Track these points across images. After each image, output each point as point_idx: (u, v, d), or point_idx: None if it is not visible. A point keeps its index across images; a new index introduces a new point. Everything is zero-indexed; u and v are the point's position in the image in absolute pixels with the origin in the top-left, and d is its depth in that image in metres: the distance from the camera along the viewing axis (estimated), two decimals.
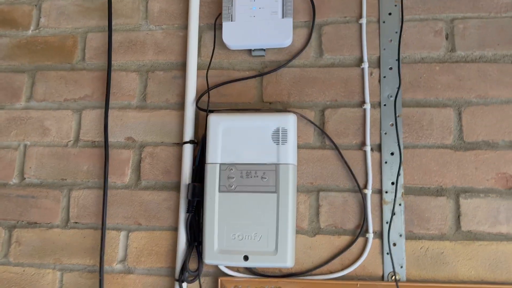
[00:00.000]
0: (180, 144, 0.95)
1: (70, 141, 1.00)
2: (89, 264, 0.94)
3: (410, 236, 0.86)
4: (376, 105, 0.92)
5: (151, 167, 0.96)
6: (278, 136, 0.86)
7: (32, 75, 1.04)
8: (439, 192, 0.87)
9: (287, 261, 0.82)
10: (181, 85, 0.98)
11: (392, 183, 0.88)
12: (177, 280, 0.88)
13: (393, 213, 0.87)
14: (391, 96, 0.91)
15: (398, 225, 0.87)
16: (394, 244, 0.86)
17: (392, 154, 0.89)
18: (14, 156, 1.01)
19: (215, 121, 0.88)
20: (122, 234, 0.94)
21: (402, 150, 0.89)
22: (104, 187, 0.94)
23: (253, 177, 0.85)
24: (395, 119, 0.90)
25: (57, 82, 1.03)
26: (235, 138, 0.87)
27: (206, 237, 0.85)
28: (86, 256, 0.94)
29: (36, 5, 1.08)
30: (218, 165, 0.87)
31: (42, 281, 0.95)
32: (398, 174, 0.88)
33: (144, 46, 1.01)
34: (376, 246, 0.87)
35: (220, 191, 0.86)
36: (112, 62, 1.01)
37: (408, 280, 0.85)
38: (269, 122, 0.87)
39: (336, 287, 0.84)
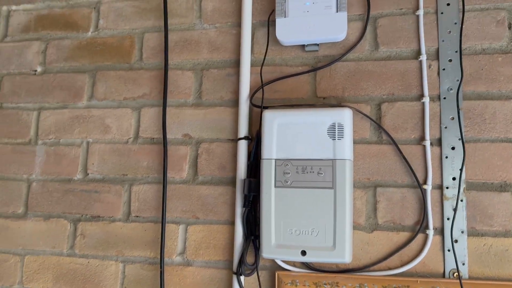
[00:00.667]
0: (235, 140, 0.97)
1: (130, 138, 1.04)
2: (149, 256, 0.98)
3: (473, 233, 0.84)
4: (435, 98, 0.89)
5: (207, 163, 0.98)
6: (334, 131, 0.86)
7: (92, 75, 1.09)
8: (503, 187, 0.84)
9: (345, 257, 0.82)
10: (234, 82, 1.00)
11: (453, 179, 0.86)
12: (235, 273, 0.90)
13: (454, 209, 0.85)
14: (451, 89, 0.89)
15: (460, 222, 0.84)
16: (456, 241, 0.84)
17: (453, 148, 0.87)
18: (77, 153, 1.06)
19: (270, 117, 0.89)
20: (181, 227, 0.97)
21: (463, 144, 0.86)
22: (164, 182, 0.97)
23: (309, 173, 0.86)
24: (458, 113, 0.87)
25: (116, 82, 1.07)
26: (290, 134, 0.88)
27: (264, 231, 0.86)
28: (147, 248, 0.98)
29: (94, 8, 1.12)
30: (274, 160, 0.88)
31: (105, 272, 1.00)
32: (461, 169, 0.86)
33: (199, 45, 1.03)
34: (437, 242, 0.85)
35: (276, 186, 0.87)
36: (168, 61, 1.04)
37: (470, 278, 0.83)
38: (324, 117, 0.87)
39: (396, 283, 0.83)
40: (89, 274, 1.00)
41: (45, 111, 1.10)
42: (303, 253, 0.84)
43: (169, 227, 0.98)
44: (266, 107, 0.94)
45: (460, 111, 0.87)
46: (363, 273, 0.87)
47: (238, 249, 0.91)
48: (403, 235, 0.87)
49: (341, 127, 0.85)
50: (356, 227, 0.89)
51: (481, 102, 0.87)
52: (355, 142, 0.91)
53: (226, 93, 1.00)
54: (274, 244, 0.85)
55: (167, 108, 1.02)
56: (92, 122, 1.07)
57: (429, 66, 0.91)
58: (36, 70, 1.13)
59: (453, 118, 0.88)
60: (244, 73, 0.97)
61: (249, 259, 0.91)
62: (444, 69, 0.90)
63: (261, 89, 0.96)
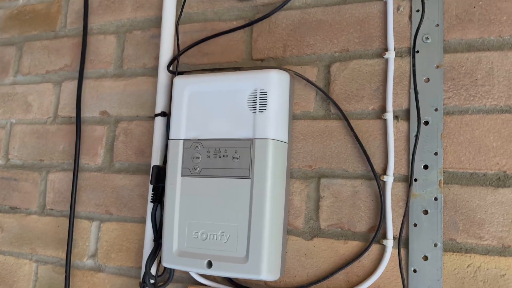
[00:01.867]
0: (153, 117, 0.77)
1: (49, 117, 0.89)
2: (62, 257, 0.82)
3: (452, 247, 0.57)
4: (405, 52, 0.63)
5: (124, 146, 0.80)
6: (255, 101, 0.63)
7: (20, 47, 0.95)
8: (501, 180, 0.56)
9: (261, 272, 0.60)
10: (159, 45, 0.80)
11: (425, 167, 0.59)
12: (140, 285, 0.71)
13: (425, 212, 0.58)
14: (427, 38, 0.61)
15: (433, 230, 0.58)
16: (426, 258, 0.58)
17: (426, 123, 0.60)
18: (1, 135, 0.93)
19: (179, 85, 0.68)
20: (94, 224, 0.80)
21: (442, 117, 0.59)
22: (74, 170, 0.81)
23: (222, 157, 0.64)
24: (435, 71, 0.60)
25: (41, 53, 0.92)
26: (203, 106, 0.66)
27: (165, 234, 0.66)
28: (59, 247, 0.83)
29: None
30: (182, 141, 0.67)
31: (19, 272, 0.86)
32: (436, 153, 0.59)
33: (123, 2, 0.85)
34: (398, 258, 0.59)
35: (182, 175, 0.66)
36: (91, 25, 0.87)
37: None
38: (245, 83, 0.64)
39: None
40: (5, 273, 0.87)
41: None
42: (209, 264, 0.63)
43: (81, 224, 0.81)
44: (182, 73, 0.73)
45: (438, 70, 0.60)
46: None
47: (146, 255, 0.72)
48: (353, 246, 0.62)
49: (264, 95, 0.63)
50: (292, 231, 0.66)
51: (472, 54, 0.59)
52: (296, 117, 0.68)
53: (149, 59, 0.81)
54: (175, 251, 0.65)
55: (86, 80, 0.85)
56: (16, 101, 0.93)
57: (398, 9, 0.64)
58: None
59: (428, 80, 0.61)
60: (165, 33, 0.77)
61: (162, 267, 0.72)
62: (418, 11, 0.62)
63: (177, 52, 0.75)
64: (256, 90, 0.63)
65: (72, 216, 0.79)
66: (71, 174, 0.84)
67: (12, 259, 0.87)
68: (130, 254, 0.76)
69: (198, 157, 0.65)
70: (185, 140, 0.67)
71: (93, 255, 0.79)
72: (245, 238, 0.61)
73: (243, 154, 0.63)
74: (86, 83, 0.85)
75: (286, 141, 0.65)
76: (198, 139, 0.66)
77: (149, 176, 0.76)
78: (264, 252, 0.60)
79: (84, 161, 0.83)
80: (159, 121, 0.75)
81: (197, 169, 0.65)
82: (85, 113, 0.84)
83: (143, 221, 0.76)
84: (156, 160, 0.73)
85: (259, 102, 0.63)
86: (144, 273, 0.70)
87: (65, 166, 0.85)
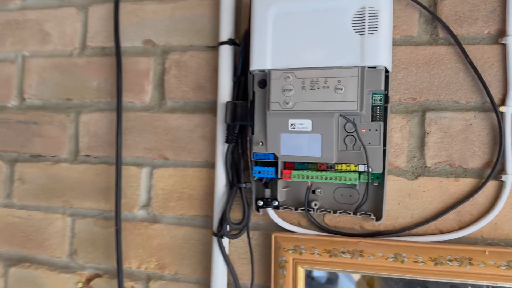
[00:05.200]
0: (216, 46, 0.66)
1: (75, 49, 0.75)
2: (104, 209, 0.72)
3: None
4: None
5: (178, 81, 0.69)
6: (363, 21, 0.54)
7: None
8: None
9: None
10: None
11: None
12: (215, 235, 0.63)
13: None
14: None
15: None
16: None
17: None
18: (11, 71, 0.79)
19: (262, 4, 0.58)
20: (144, 171, 0.70)
21: None
22: (118, 110, 0.69)
23: (321, 89, 0.55)
24: None
25: None
26: (293, 30, 0.57)
27: None
28: (101, 198, 0.72)
29: None
30: (269, 72, 0.57)
31: (50, 229, 0.75)
32: None
33: None
34: None
35: (270, 110, 0.57)
36: None
37: None
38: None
39: (450, 254, 0.55)
40: (31, 230, 0.76)
41: None
42: None
43: (128, 171, 0.71)
44: None
45: None
46: (401, 238, 0.58)
47: (220, 202, 0.63)
48: (465, 183, 0.57)
49: (374, 14, 0.54)
50: (392, 171, 0.60)
51: None
52: (395, 43, 0.60)
53: None
54: None
55: (121, 3, 0.72)
56: (28, 29, 0.78)
57: None
58: None
59: None
60: None
61: (235, 215, 0.64)
62: None
63: None
64: (364, 8, 0.54)
65: (119, 163, 0.69)
66: (110, 115, 0.72)
67: (38, 214, 0.76)
68: (193, 202, 0.68)
69: (290, 89, 0.56)
70: (272, 70, 0.57)
71: (146, 205, 0.70)
72: None
73: (349, 85, 0.54)
74: (121, 6, 0.72)
75: (391, 70, 0.58)
76: (289, 69, 0.57)
77: (212, 114, 0.67)
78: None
79: (127, 99, 0.71)
80: (226, 51, 0.64)
81: (290, 103, 0.57)
82: (124, 43, 0.71)
83: (208, 165, 0.67)
84: (225, 96, 0.63)
85: (368, 22, 0.54)
86: (222, 220, 0.62)
87: (101, 105, 0.73)
